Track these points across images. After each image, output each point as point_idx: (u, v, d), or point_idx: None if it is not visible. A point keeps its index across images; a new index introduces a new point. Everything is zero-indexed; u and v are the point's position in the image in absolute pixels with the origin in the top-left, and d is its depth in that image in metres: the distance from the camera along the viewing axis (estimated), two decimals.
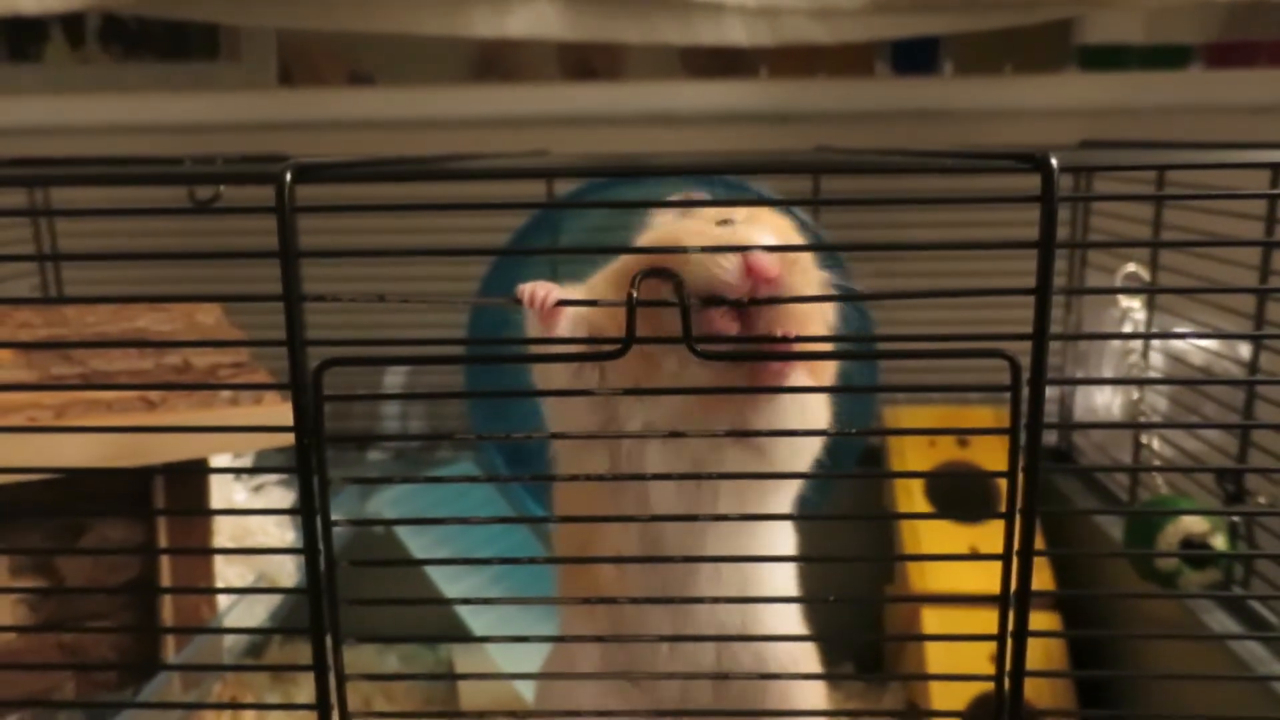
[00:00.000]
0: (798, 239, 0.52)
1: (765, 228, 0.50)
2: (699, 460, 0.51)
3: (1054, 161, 0.41)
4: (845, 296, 0.53)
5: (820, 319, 0.52)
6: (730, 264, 0.46)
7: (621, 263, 0.51)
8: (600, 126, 1.26)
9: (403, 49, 1.33)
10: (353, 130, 1.26)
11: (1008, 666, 0.45)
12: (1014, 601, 0.45)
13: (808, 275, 0.50)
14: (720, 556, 0.51)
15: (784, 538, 0.57)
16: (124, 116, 1.27)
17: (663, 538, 0.51)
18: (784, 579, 0.57)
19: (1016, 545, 0.44)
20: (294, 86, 1.39)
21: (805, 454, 0.53)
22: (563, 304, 0.46)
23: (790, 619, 0.58)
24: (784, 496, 0.55)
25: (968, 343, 0.43)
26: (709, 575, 0.52)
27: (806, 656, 0.58)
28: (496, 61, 1.41)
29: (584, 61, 1.41)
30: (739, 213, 0.51)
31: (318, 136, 1.25)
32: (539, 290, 0.46)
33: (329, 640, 0.46)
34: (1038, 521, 0.99)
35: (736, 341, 0.46)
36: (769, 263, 0.46)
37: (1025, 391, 0.43)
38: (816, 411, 0.52)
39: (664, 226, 0.52)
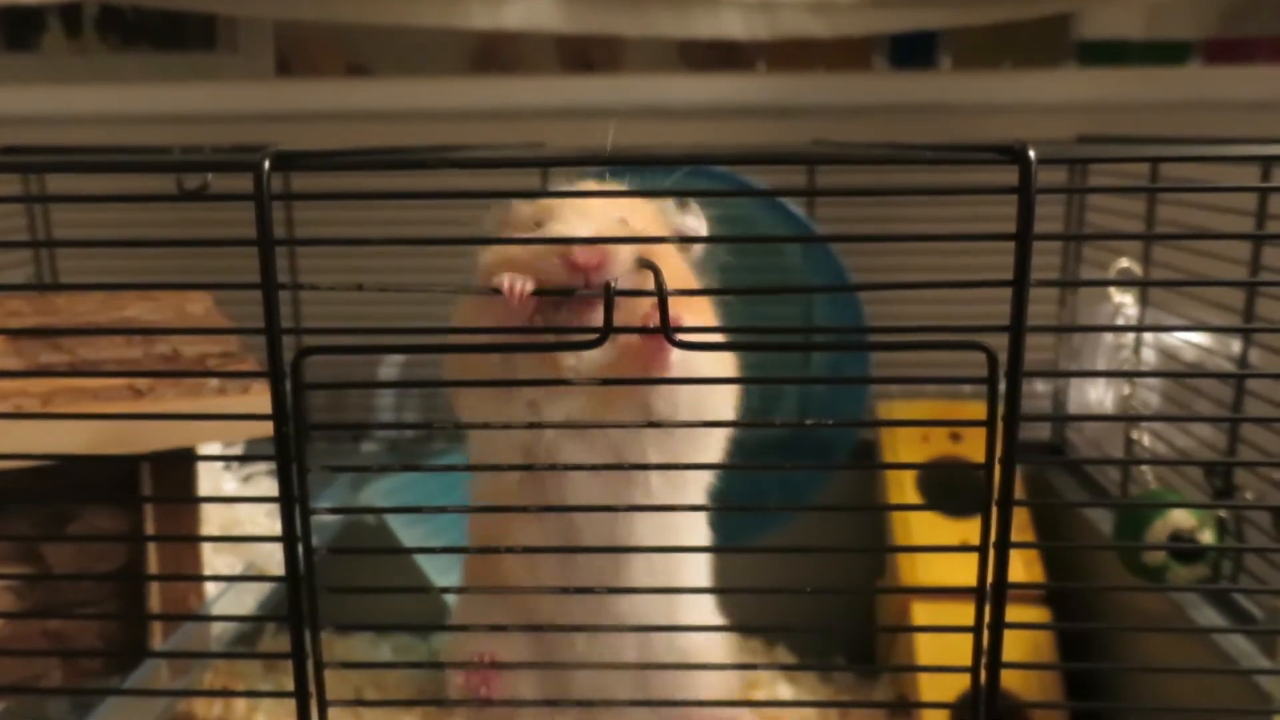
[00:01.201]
0: (650, 225, 0.53)
1: (585, 220, 0.51)
2: (617, 449, 0.51)
3: (1032, 154, 0.41)
4: (801, 287, 0.53)
5: (695, 300, 0.52)
6: (550, 264, 0.48)
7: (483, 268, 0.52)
8: (597, 119, 1.26)
9: (400, 41, 1.33)
10: (349, 121, 1.26)
11: (984, 658, 0.45)
12: (991, 593, 0.45)
13: (667, 258, 0.50)
14: (646, 547, 0.52)
15: (699, 523, 0.58)
16: (121, 106, 1.27)
17: (580, 528, 0.52)
18: (698, 568, 0.58)
19: (994, 537, 0.44)
20: (291, 77, 1.39)
21: (712, 438, 0.54)
22: (538, 294, 0.46)
23: (705, 609, 0.59)
24: (699, 479, 0.56)
25: (945, 334, 0.43)
26: (629, 563, 0.53)
27: (718, 646, 0.59)
28: (494, 54, 1.41)
29: (582, 54, 1.41)
30: (556, 210, 0.52)
31: (314, 127, 1.25)
32: (516, 281, 0.46)
33: (307, 628, 0.46)
34: (1030, 516, 0.99)
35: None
36: (585, 254, 0.48)
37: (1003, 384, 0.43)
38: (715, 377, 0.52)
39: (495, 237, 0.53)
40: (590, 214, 0.51)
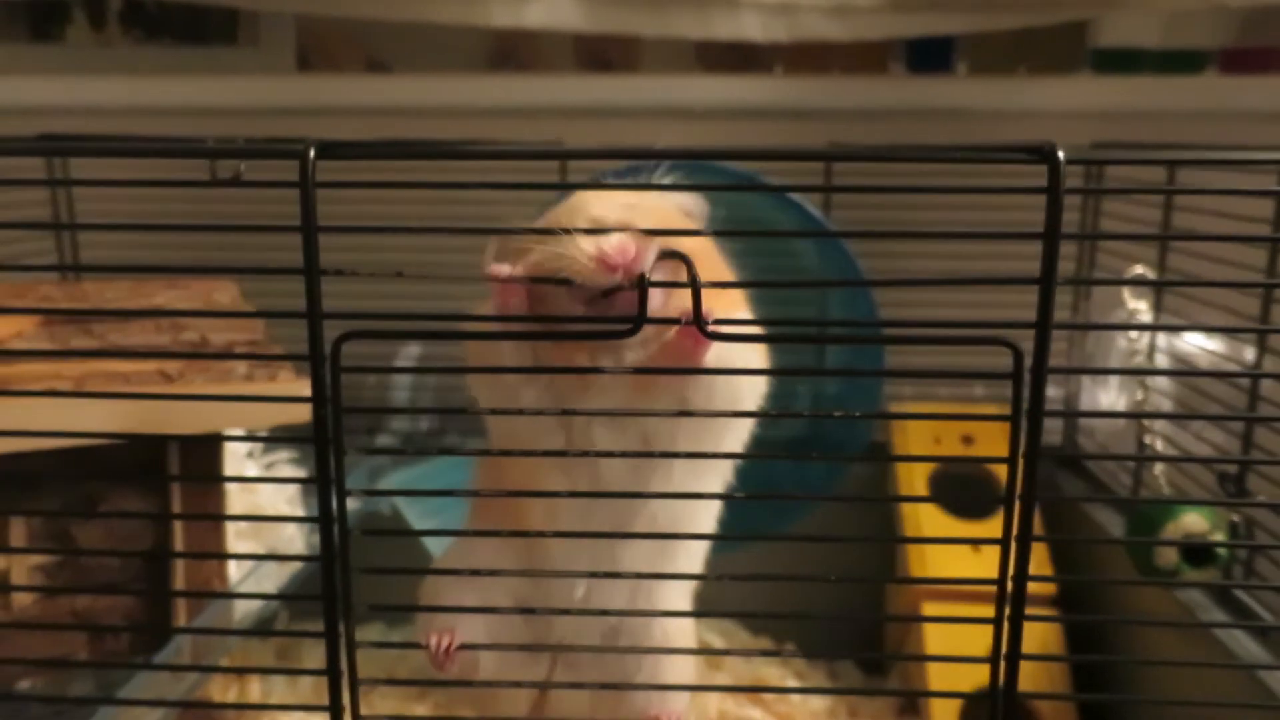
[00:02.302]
0: (658, 210, 0.53)
1: (617, 212, 0.51)
2: (647, 437, 0.52)
3: (1061, 154, 0.41)
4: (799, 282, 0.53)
5: (727, 291, 0.52)
6: (586, 258, 0.48)
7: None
8: (615, 119, 1.27)
9: (420, 37, 1.34)
10: (368, 117, 1.27)
11: (1004, 649, 0.46)
12: (1012, 587, 0.46)
13: (702, 257, 0.51)
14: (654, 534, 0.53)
15: (712, 513, 0.59)
16: (143, 98, 1.28)
17: (601, 501, 0.53)
18: (691, 560, 0.59)
19: (1015, 531, 0.45)
20: (312, 72, 1.40)
21: (740, 425, 0.55)
22: (552, 282, 0.47)
23: (682, 595, 0.60)
24: (722, 470, 0.57)
25: (971, 329, 0.44)
26: (641, 527, 0.54)
27: (684, 629, 0.61)
28: (513, 52, 1.42)
29: (600, 54, 1.42)
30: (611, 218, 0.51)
31: (334, 122, 1.26)
32: (503, 268, 0.47)
33: (340, 607, 0.47)
34: (1041, 520, 1.00)
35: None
36: (617, 249, 0.47)
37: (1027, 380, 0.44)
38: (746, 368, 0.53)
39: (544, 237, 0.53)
40: (607, 215, 0.52)
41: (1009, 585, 0.46)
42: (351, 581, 0.48)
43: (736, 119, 1.27)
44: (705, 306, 0.45)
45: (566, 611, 0.54)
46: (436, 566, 0.59)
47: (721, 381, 0.51)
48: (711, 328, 0.45)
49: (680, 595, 0.60)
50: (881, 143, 1.07)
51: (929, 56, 1.33)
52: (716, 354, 0.49)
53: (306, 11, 1.25)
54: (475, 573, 0.51)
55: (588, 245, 0.48)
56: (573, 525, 0.53)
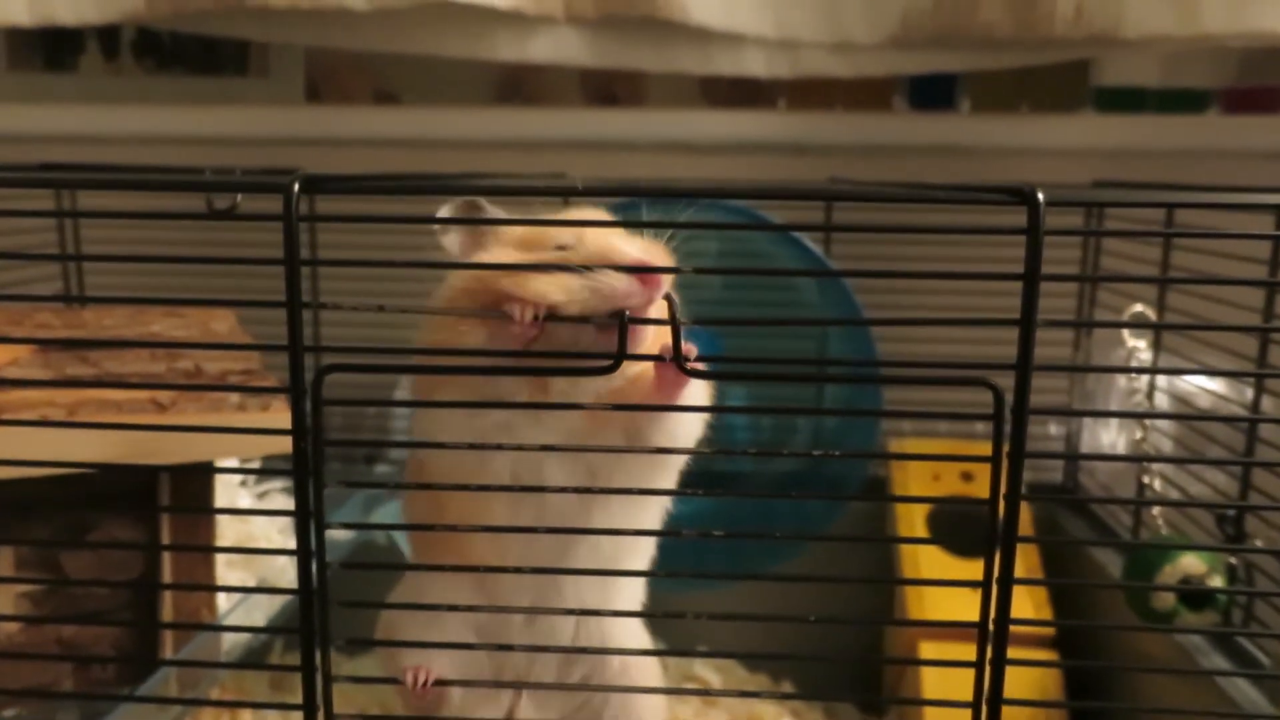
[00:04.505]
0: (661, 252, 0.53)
1: (627, 243, 0.51)
2: (592, 468, 0.53)
3: (1041, 196, 0.41)
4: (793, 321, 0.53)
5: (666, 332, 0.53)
6: (621, 280, 0.48)
7: (471, 283, 0.52)
8: (620, 152, 1.28)
9: (428, 70, 1.36)
10: (376, 148, 1.28)
11: (985, 693, 0.46)
12: (994, 630, 0.45)
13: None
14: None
15: (645, 548, 0.60)
16: (155, 127, 1.30)
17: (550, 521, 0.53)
18: (635, 587, 0.60)
19: (996, 573, 0.44)
20: (320, 103, 1.42)
21: (678, 462, 0.55)
22: (550, 319, 0.47)
23: (633, 626, 0.61)
24: (658, 505, 0.58)
25: (952, 370, 0.44)
26: (583, 561, 0.54)
27: (646, 660, 0.61)
28: (520, 85, 1.44)
29: (606, 88, 1.43)
30: (569, 235, 0.52)
31: (342, 153, 1.27)
32: (527, 310, 0.47)
33: (317, 642, 0.47)
34: (1040, 558, 0.99)
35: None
36: (655, 276, 0.48)
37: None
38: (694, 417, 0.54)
39: (498, 256, 0.53)
40: (629, 241, 0.52)
41: (990, 628, 0.45)
42: (330, 615, 0.48)
43: (740, 153, 1.28)
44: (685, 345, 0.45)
45: (559, 649, 0.54)
46: (394, 599, 0.59)
47: (675, 418, 0.51)
48: (691, 365, 0.46)
49: (628, 625, 0.61)
50: (883, 178, 1.08)
51: (932, 93, 1.33)
52: (689, 394, 0.50)
53: (316, 43, 1.26)
54: (453, 607, 0.51)
55: (616, 279, 0.48)
56: (519, 551, 0.53)
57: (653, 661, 0.62)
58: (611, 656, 0.58)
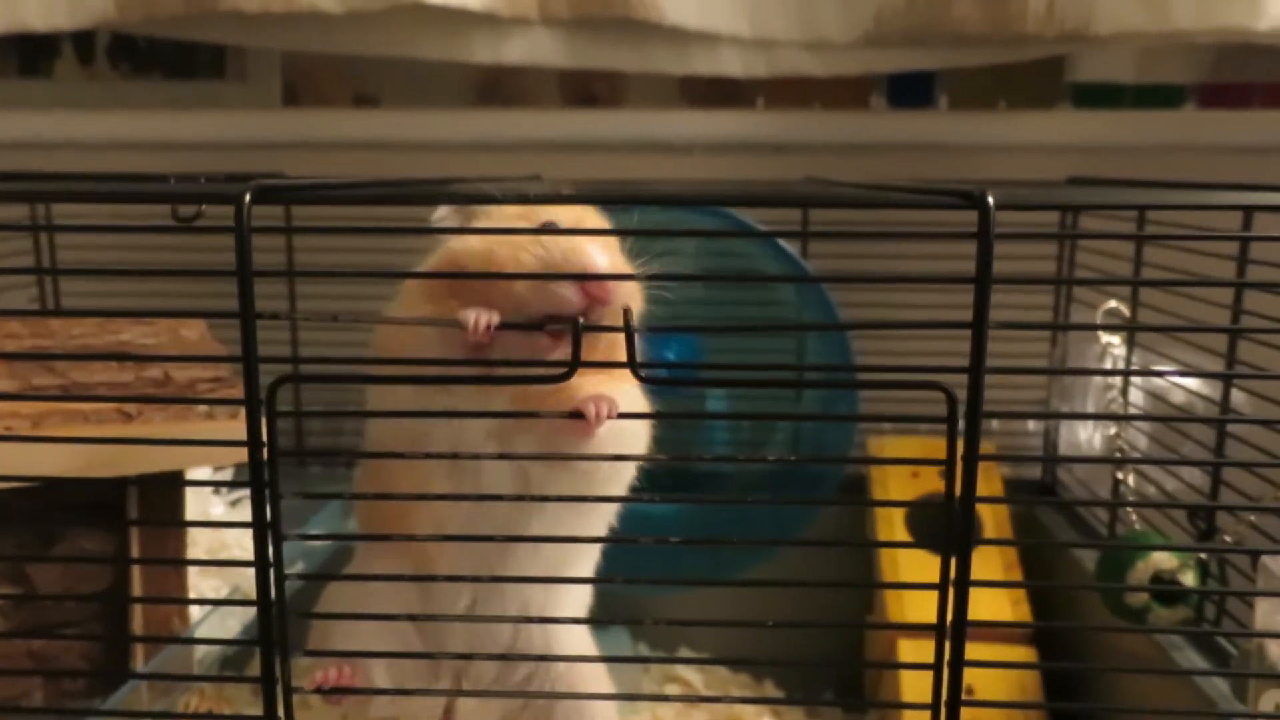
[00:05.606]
0: (618, 250, 0.54)
1: (594, 240, 0.51)
2: (525, 470, 0.54)
3: (990, 199, 0.41)
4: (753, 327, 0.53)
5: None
6: (568, 288, 0.48)
7: (431, 281, 0.53)
8: (599, 153, 1.28)
9: (407, 73, 1.35)
10: (354, 151, 1.28)
11: (944, 696, 0.46)
12: (950, 632, 0.45)
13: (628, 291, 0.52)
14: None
15: (589, 552, 0.60)
16: (131, 133, 1.29)
17: (489, 522, 0.54)
18: (581, 589, 0.61)
19: (952, 575, 0.44)
20: (298, 107, 1.41)
21: (625, 471, 0.56)
22: (504, 327, 0.47)
23: (577, 619, 0.61)
24: (600, 512, 0.58)
25: (905, 374, 0.44)
26: (524, 560, 0.55)
27: (588, 648, 0.62)
28: (498, 87, 1.43)
29: (585, 89, 1.43)
30: (559, 214, 0.52)
31: (320, 156, 1.27)
32: (481, 316, 0.47)
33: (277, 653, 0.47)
34: (1019, 555, 0.99)
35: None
36: (607, 284, 0.49)
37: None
38: (635, 431, 0.54)
39: (480, 241, 0.53)
40: (599, 238, 0.52)
41: (948, 630, 0.45)
42: (288, 626, 0.47)
43: (719, 153, 1.28)
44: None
45: (495, 655, 0.54)
46: (334, 595, 0.59)
47: (620, 426, 0.51)
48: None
49: (573, 615, 0.61)
50: (861, 177, 1.08)
51: (910, 91, 1.33)
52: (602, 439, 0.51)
53: (290, 47, 1.26)
54: (413, 617, 0.50)
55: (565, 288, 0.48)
56: (459, 526, 0.53)
57: (591, 647, 0.62)
58: (554, 649, 0.58)
